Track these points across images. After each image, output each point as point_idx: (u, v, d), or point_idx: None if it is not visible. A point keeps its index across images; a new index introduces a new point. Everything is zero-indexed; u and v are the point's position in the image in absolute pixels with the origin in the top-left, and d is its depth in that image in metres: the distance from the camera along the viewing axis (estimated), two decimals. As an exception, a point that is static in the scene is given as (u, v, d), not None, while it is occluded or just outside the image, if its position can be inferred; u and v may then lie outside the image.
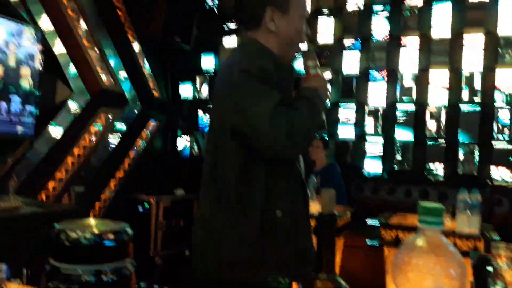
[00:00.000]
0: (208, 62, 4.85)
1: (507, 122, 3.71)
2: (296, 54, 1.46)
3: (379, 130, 4.23)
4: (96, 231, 2.18)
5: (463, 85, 3.90)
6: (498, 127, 3.74)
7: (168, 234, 4.20)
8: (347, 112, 4.33)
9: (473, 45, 3.84)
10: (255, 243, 1.28)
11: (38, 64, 3.36)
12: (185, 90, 4.93)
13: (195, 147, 4.94)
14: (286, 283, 1.24)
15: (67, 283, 2.08)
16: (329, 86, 1.43)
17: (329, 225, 0.68)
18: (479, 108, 3.81)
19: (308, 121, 1.28)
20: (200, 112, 4.85)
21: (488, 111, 3.76)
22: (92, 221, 2.45)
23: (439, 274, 0.62)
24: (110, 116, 4.09)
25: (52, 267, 2.15)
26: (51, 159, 3.66)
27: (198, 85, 4.97)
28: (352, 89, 4.34)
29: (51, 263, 2.15)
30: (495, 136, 3.74)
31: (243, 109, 1.26)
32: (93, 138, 3.98)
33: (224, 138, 1.32)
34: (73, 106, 3.90)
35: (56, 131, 3.77)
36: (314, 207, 3.24)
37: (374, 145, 4.21)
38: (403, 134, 4.10)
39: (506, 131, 3.71)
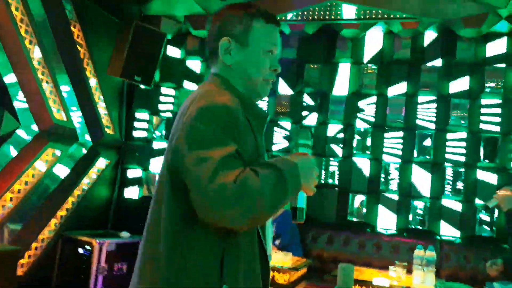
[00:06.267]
0: (167, 102, 4.79)
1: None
2: (259, 94, 1.29)
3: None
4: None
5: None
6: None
7: (109, 280, 3.95)
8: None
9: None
10: None
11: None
12: (141, 129, 4.81)
13: (145, 187, 4.77)
14: None
15: None
16: (315, 171, 1.18)
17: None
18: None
19: (264, 195, 1.03)
20: (152, 153, 4.72)
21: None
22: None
23: None
24: (57, 152, 3.89)
25: None
26: (-12, 194, 3.39)
27: (154, 125, 4.87)
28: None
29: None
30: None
31: (187, 155, 1.09)
32: (37, 174, 3.75)
33: (164, 178, 1.17)
34: (19, 138, 3.68)
35: (-3, 163, 3.53)
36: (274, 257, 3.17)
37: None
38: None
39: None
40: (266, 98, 4.48)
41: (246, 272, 1.13)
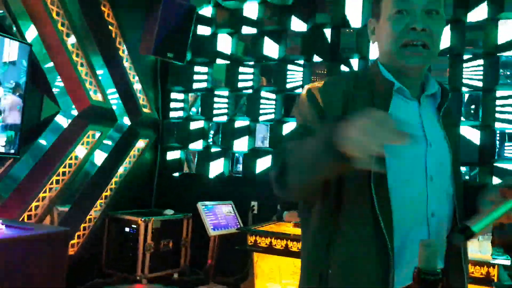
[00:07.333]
0: (201, 78, 4.73)
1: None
2: (400, 64, 1.17)
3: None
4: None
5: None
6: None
7: (156, 256, 4.04)
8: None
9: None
10: None
11: (24, 79, 3.21)
12: (177, 108, 4.79)
13: (185, 165, 4.79)
14: None
15: None
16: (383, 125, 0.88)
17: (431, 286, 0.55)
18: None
19: (287, 160, 1.07)
20: (190, 130, 4.71)
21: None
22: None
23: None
24: (97, 133, 3.94)
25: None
26: (35, 177, 3.49)
27: (189, 103, 4.84)
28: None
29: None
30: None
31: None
32: (80, 156, 3.82)
33: None
34: (60, 122, 3.74)
35: (41, 148, 3.60)
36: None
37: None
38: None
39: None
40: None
41: (352, 260, 1.10)
